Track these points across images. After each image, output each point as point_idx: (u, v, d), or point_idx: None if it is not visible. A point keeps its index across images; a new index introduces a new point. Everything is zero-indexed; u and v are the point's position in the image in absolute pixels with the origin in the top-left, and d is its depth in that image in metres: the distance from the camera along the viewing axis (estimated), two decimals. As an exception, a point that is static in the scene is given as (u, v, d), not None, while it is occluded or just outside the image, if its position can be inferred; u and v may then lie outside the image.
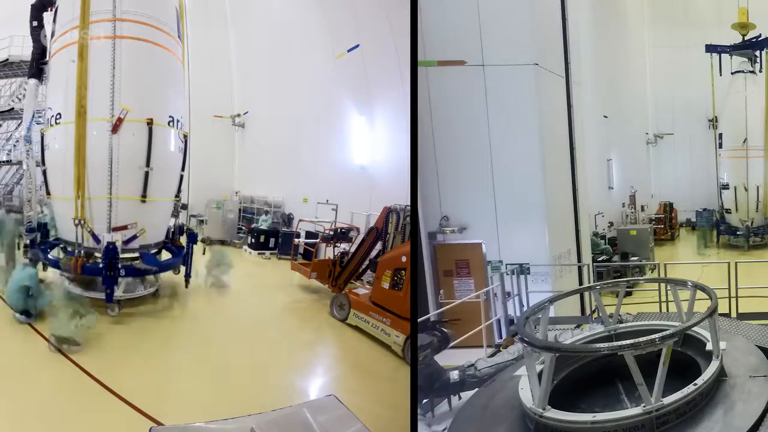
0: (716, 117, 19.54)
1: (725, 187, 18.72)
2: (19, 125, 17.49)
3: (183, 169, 11.66)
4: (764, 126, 17.89)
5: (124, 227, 10.33)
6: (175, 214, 11.92)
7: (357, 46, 14.94)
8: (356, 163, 15.35)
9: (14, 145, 17.56)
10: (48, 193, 11.14)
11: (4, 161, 17.43)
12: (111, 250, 9.88)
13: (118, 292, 10.47)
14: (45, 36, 11.27)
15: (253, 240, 18.04)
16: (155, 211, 11.01)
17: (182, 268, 12.00)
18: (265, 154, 20.27)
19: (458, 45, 9.94)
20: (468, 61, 9.92)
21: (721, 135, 18.89)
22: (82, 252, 10.23)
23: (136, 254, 10.77)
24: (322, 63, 16.62)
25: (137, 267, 10.54)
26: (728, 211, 18.65)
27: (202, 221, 19.73)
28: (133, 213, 10.48)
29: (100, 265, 10.00)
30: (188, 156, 11.81)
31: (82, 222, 10.02)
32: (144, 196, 10.50)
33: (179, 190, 11.76)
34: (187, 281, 12.00)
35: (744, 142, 18.00)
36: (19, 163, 17.25)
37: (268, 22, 19.89)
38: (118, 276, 10.03)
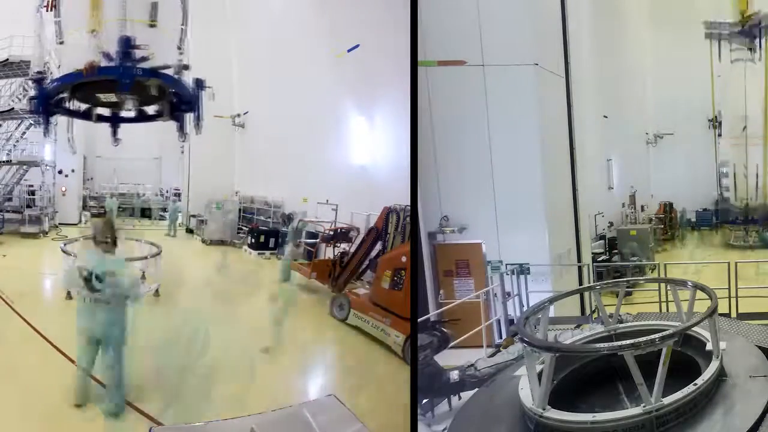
0: (716, 116, 19.45)
1: (725, 174, 18.65)
2: (19, 125, 17.50)
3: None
4: (764, 115, 17.73)
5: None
6: None
7: (357, 45, 14.91)
8: (356, 163, 15.33)
9: (14, 145, 17.55)
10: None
11: (4, 161, 17.41)
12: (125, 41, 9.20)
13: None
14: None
15: (253, 240, 18.05)
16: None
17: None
18: (265, 154, 20.23)
19: (458, 45, 9.95)
20: (468, 61, 9.93)
21: (720, 123, 18.86)
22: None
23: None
24: (322, 63, 16.60)
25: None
26: (726, 197, 18.60)
27: (202, 221, 19.76)
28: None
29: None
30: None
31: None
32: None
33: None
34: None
35: (743, 129, 17.87)
36: (19, 163, 17.30)
37: (268, 22, 19.87)
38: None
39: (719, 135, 18.90)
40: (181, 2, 10.76)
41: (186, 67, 10.60)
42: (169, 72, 10.09)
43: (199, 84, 10.73)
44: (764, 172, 17.89)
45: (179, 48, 10.62)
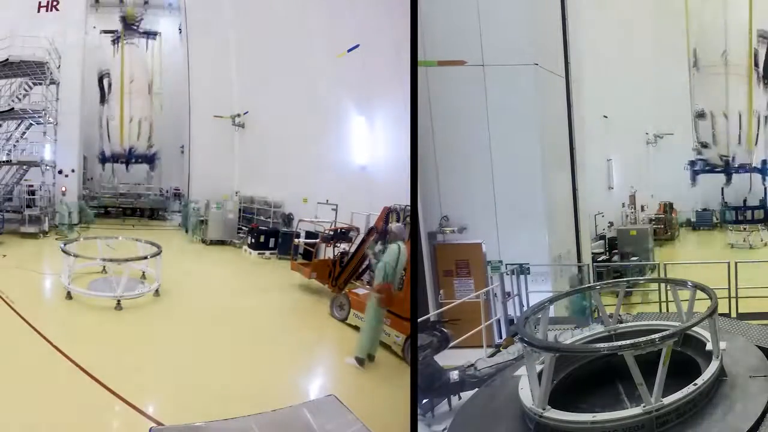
0: (696, 113, 16.47)
1: (701, 115, 15.06)
2: (19, 125, 17.52)
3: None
4: (748, 36, 14.05)
5: None
6: None
7: (357, 45, 14.91)
8: (356, 163, 15.34)
9: (14, 145, 17.55)
10: None
11: (4, 161, 17.42)
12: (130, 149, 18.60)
13: (119, 291, 10.48)
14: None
15: (253, 240, 18.06)
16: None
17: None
18: (265, 154, 20.26)
19: (458, 45, 9.94)
20: (468, 61, 9.93)
21: (695, 51, 15.26)
22: None
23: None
24: (322, 63, 16.61)
25: None
26: (705, 145, 15.47)
27: (202, 221, 19.77)
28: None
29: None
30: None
31: None
32: None
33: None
34: None
35: (723, 54, 14.48)
36: (19, 163, 17.31)
37: (268, 22, 19.88)
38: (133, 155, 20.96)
39: (694, 66, 15.00)
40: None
41: (151, 147, 23.46)
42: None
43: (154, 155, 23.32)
44: (748, 111, 13.81)
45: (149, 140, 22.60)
